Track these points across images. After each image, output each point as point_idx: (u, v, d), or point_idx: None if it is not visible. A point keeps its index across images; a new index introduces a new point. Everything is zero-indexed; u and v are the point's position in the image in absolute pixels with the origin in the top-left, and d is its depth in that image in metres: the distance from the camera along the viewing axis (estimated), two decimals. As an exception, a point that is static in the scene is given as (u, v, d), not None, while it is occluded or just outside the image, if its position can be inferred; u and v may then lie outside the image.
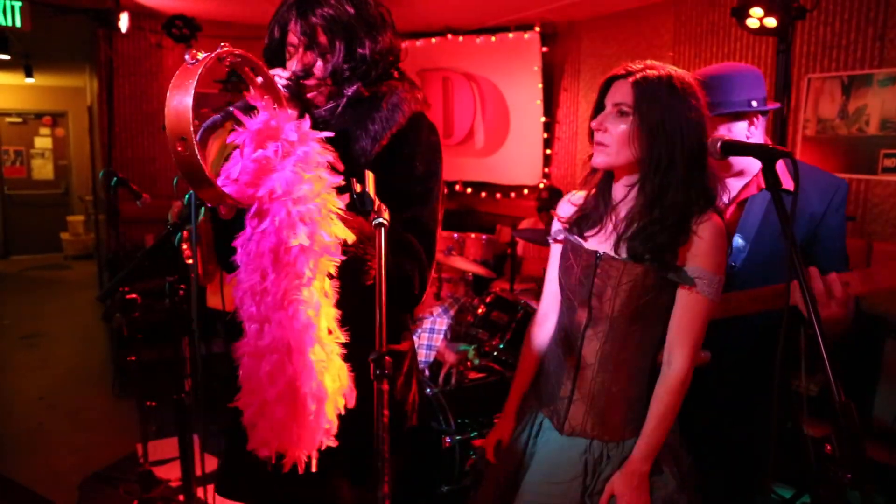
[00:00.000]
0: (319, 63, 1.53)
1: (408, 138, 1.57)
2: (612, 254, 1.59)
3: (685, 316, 1.57)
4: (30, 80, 7.54)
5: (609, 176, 1.66)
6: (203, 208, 1.41)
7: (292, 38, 1.54)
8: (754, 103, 1.86)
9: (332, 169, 1.36)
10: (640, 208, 1.56)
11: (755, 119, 1.89)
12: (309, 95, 1.55)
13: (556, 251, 1.79)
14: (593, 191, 1.68)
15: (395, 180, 1.53)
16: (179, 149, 1.16)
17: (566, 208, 1.76)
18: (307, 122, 1.36)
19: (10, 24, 4.63)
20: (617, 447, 1.64)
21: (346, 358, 1.41)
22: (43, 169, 10.65)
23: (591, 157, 1.64)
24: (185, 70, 1.18)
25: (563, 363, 1.70)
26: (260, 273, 1.35)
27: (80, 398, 4.79)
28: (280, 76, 1.44)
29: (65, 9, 5.11)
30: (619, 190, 1.63)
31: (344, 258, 1.36)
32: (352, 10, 1.52)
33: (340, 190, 1.37)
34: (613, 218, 1.62)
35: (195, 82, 1.16)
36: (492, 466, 1.82)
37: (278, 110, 1.39)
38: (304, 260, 1.32)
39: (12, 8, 4.60)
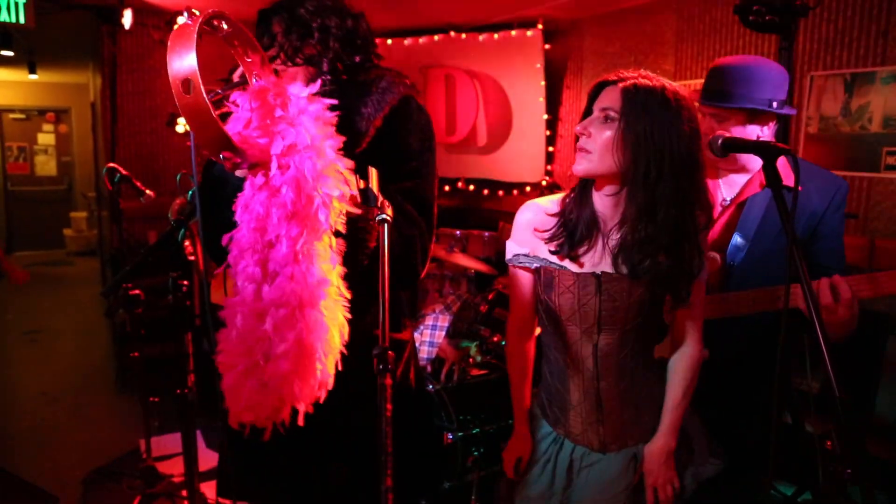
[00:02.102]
0: (274, 50, 1.59)
1: (401, 118, 1.59)
2: (611, 272, 1.55)
3: (695, 308, 1.66)
4: (33, 77, 7.54)
5: (586, 186, 1.59)
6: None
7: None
8: (774, 104, 1.80)
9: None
10: (632, 223, 1.50)
11: (771, 122, 1.85)
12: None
13: (523, 276, 1.70)
14: (571, 204, 1.60)
15: (392, 158, 1.55)
16: (184, 92, 1.15)
17: (539, 219, 1.64)
18: (316, 85, 1.38)
19: (13, 20, 4.62)
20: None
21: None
22: (46, 165, 10.67)
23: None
24: (184, 26, 1.19)
25: (580, 389, 1.67)
26: (267, 229, 1.34)
27: (82, 394, 4.80)
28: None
29: (68, 5, 5.12)
30: (601, 202, 1.56)
31: (358, 212, 1.37)
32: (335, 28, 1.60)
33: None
34: (604, 234, 1.57)
35: (196, 31, 1.16)
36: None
37: (279, 77, 1.40)
38: (326, 212, 1.32)
39: (16, 4, 4.60)
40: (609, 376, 1.63)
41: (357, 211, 1.36)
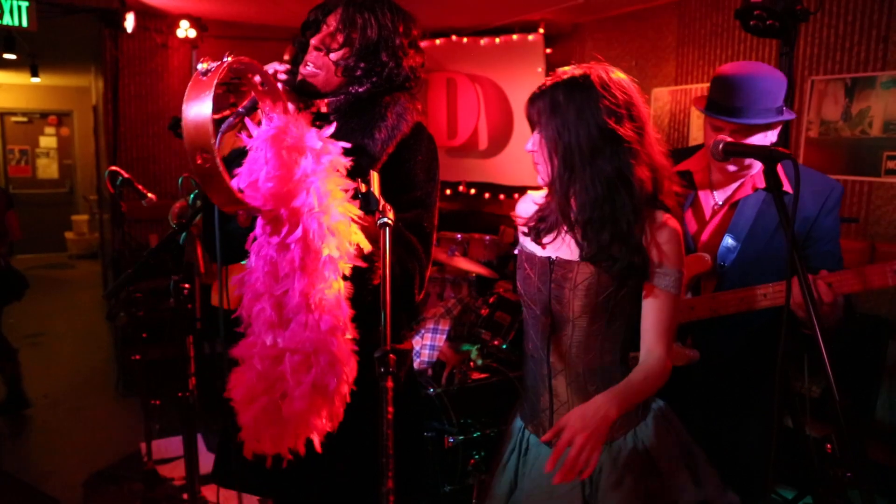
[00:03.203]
0: (340, 52, 1.60)
1: (411, 147, 1.63)
2: (564, 257, 1.59)
3: (653, 314, 1.56)
4: (35, 80, 7.57)
5: None
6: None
7: (330, 21, 1.62)
8: (785, 111, 1.86)
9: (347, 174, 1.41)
10: (559, 210, 1.56)
11: (780, 126, 1.89)
12: (311, 78, 1.61)
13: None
14: (547, 199, 1.67)
15: (398, 185, 1.58)
16: (200, 161, 1.16)
17: (527, 207, 1.73)
18: (329, 129, 1.42)
19: (16, 24, 4.64)
20: (607, 448, 1.59)
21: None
22: (48, 168, 10.69)
23: None
24: (199, 82, 1.19)
25: (537, 374, 1.69)
26: (280, 278, 1.40)
27: (83, 397, 4.80)
28: (278, 69, 1.47)
29: (71, 9, 5.14)
30: None
31: (364, 265, 1.42)
32: (391, 26, 1.61)
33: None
34: (567, 223, 1.61)
35: (212, 93, 1.17)
36: (488, 493, 1.79)
37: (293, 115, 1.42)
38: (332, 267, 1.37)
39: (19, 8, 4.62)
40: (559, 365, 1.63)
41: (363, 264, 1.42)
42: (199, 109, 1.16)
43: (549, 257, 1.62)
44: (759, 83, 1.82)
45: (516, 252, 1.77)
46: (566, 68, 1.55)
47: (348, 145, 1.43)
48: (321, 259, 1.36)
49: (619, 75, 1.54)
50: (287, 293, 1.39)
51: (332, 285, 1.39)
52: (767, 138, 1.87)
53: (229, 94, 1.52)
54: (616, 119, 1.48)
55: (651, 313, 1.56)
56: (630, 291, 1.57)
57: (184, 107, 1.17)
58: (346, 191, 1.39)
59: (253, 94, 1.43)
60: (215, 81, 1.19)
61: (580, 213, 1.53)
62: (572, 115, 1.48)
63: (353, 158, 1.44)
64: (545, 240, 1.64)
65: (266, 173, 1.34)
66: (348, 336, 1.43)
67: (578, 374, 1.61)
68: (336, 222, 1.36)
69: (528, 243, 1.69)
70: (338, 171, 1.40)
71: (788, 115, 1.87)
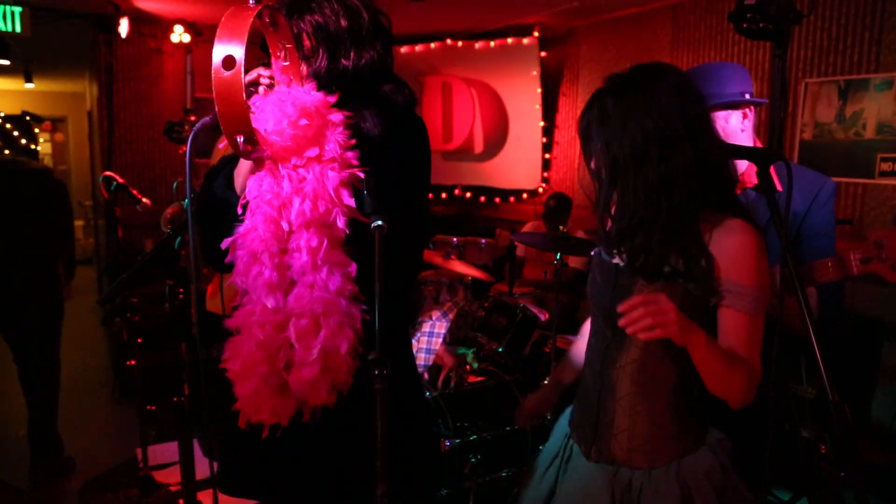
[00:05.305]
0: (303, 66, 1.51)
1: (403, 130, 1.59)
2: (626, 266, 1.49)
3: (728, 337, 1.40)
4: (29, 86, 7.54)
5: None
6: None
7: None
8: (747, 95, 1.90)
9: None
10: (614, 222, 1.48)
11: (748, 111, 1.93)
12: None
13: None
14: None
15: (390, 169, 1.54)
16: (224, 69, 1.16)
17: None
18: (333, 98, 1.40)
19: (10, 29, 4.64)
20: (645, 475, 1.50)
21: None
22: (43, 174, 10.66)
23: None
24: (244, 8, 1.21)
25: (590, 385, 1.61)
26: (281, 235, 1.35)
27: (79, 402, 4.78)
28: (262, 74, 1.44)
29: (65, 14, 5.14)
30: None
31: (367, 221, 1.38)
32: (340, 21, 1.50)
33: None
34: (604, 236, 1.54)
35: (253, 17, 1.20)
36: (523, 494, 1.74)
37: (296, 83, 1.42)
38: (343, 220, 1.35)
39: (13, 13, 4.61)
40: (612, 381, 1.53)
41: (367, 220, 1.37)
42: (237, 26, 1.18)
43: (617, 264, 1.51)
44: (717, 70, 1.92)
45: (592, 253, 1.68)
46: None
47: (349, 113, 1.42)
48: (333, 212, 1.33)
49: (674, 70, 1.45)
50: (290, 253, 1.35)
51: (341, 243, 1.36)
52: (746, 125, 1.92)
53: (260, 51, 1.51)
54: (668, 118, 1.37)
55: (725, 335, 1.41)
56: (699, 311, 1.40)
57: (221, 23, 1.19)
58: (355, 151, 1.39)
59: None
60: (258, 11, 1.22)
61: (618, 222, 1.44)
62: (618, 124, 1.39)
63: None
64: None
65: (276, 121, 1.32)
66: (358, 295, 1.39)
67: (630, 393, 1.51)
68: (352, 175, 1.35)
69: (601, 247, 1.61)
70: (346, 133, 1.40)
71: (760, 100, 1.94)
